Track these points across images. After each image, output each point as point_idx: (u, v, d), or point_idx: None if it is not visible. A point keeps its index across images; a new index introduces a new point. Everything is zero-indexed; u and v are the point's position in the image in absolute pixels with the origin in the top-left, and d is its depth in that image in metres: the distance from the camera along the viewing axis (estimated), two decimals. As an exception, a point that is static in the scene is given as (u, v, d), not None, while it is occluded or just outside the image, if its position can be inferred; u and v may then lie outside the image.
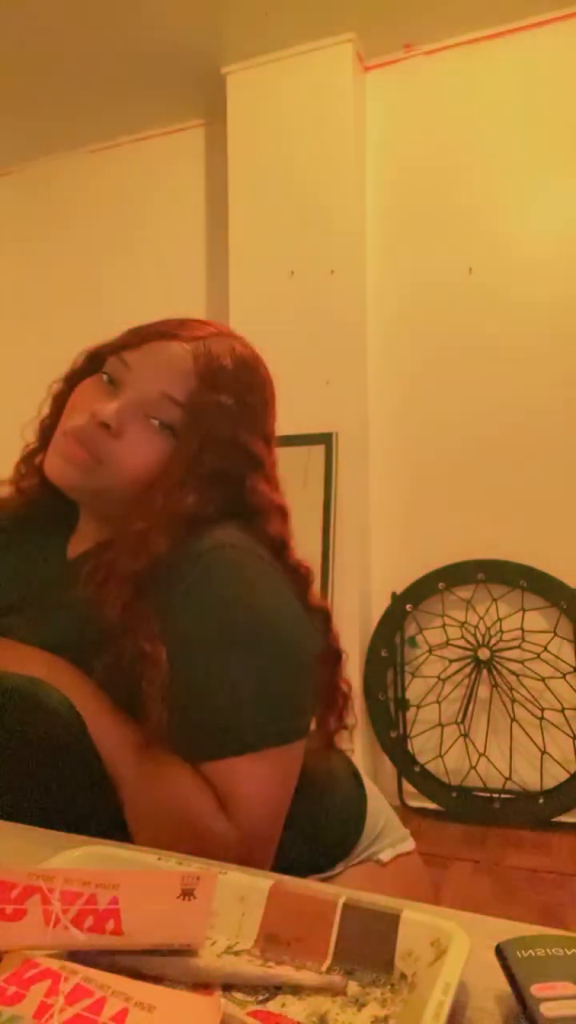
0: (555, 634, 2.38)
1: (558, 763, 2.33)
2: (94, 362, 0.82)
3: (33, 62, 2.66)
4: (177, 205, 3.02)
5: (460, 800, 2.39)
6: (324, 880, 0.77)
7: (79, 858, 0.50)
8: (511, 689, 2.40)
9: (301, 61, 2.60)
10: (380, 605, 2.56)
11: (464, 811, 2.37)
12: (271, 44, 2.59)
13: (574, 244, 2.43)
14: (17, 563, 0.86)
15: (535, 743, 2.36)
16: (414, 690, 2.51)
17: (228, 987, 0.41)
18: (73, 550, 0.84)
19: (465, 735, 2.44)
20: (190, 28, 2.51)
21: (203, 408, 0.75)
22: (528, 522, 2.42)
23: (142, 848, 0.56)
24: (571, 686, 2.34)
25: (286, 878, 0.50)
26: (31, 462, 0.87)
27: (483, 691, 2.44)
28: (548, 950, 0.39)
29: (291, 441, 2.36)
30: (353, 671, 2.42)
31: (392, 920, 0.43)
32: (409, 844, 0.88)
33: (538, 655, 2.37)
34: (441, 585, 2.48)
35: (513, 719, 2.39)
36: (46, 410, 0.85)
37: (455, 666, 2.47)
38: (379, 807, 0.87)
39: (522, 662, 2.39)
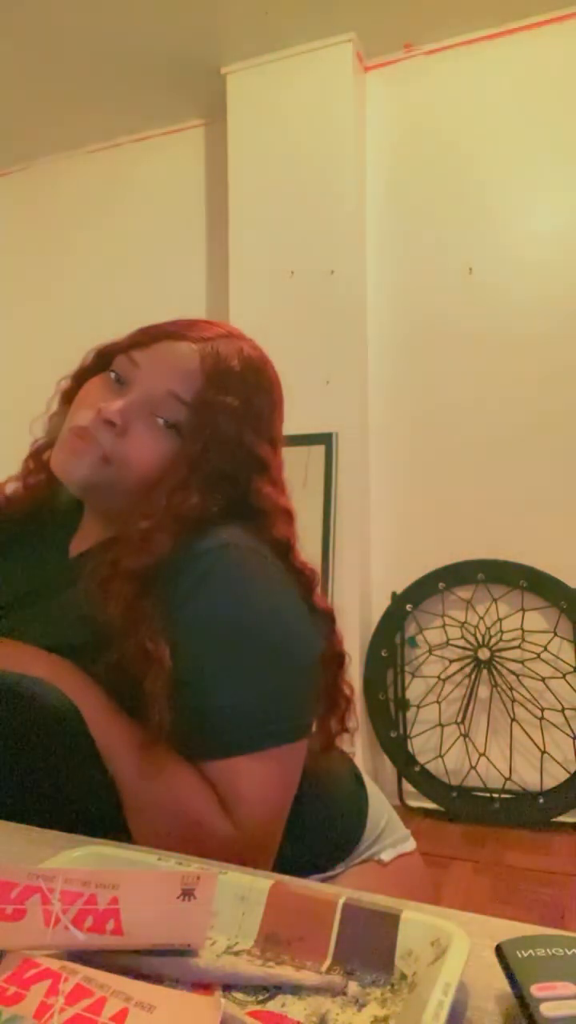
0: (555, 634, 2.38)
1: (558, 763, 2.33)
2: (103, 360, 0.82)
3: (33, 62, 2.66)
4: (177, 205, 3.02)
5: (460, 800, 2.39)
6: (325, 880, 0.78)
7: (79, 858, 0.50)
8: (511, 689, 2.40)
9: (301, 61, 2.60)
10: (380, 605, 2.56)
11: (464, 811, 2.37)
12: (271, 44, 2.59)
13: (574, 244, 2.43)
14: (20, 561, 0.86)
15: (535, 743, 2.36)
16: (414, 690, 2.51)
17: (228, 987, 0.41)
18: (75, 548, 0.84)
19: (465, 735, 2.44)
20: (190, 28, 2.51)
21: (209, 408, 0.75)
22: (528, 522, 2.42)
23: (142, 848, 0.56)
24: (571, 686, 2.34)
25: (286, 878, 0.50)
26: (39, 458, 0.87)
27: (483, 691, 2.44)
28: (548, 950, 0.38)
29: (291, 441, 2.33)
30: (353, 671, 2.40)
31: (392, 920, 0.43)
32: (410, 844, 0.88)
33: (538, 655, 2.37)
34: (441, 585, 2.48)
35: (513, 719, 2.39)
36: (55, 407, 0.85)
37: (455, 666, 2.47)
38: (380, 807, 0.87)
39: (522, 662, 2.39)
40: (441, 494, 2.54)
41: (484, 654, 2.44)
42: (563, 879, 1.97)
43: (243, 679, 0.69)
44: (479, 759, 2.41)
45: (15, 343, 3.26)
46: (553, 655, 2.37)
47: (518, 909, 1.79)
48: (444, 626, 2.49)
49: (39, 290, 3.26)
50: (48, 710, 0.66)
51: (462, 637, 2.47)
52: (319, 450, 2.49)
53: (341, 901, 0.45)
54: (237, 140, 2.71)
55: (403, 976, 0.41)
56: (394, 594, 2.53)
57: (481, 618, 2.45)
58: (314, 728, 0.77)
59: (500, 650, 2.42)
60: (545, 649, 2.37)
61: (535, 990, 0.35)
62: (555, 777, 2.32)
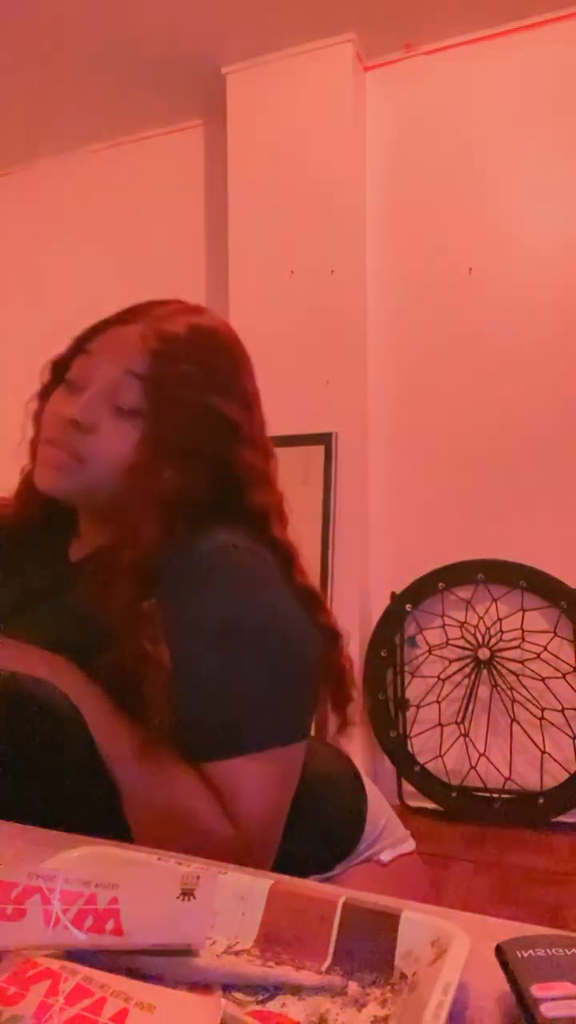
0: (555, 634, 2.38)
1: (558, 763, 2.33)
2: (59, 371, 0.83)
3: (33, 62, 2.66)
4: (177, 205, 3.02)
5: (460, 800, 2.39)
6: (324, 880, 0.77)
7: (79, 858, 0.50)
8: (511, 689, 2.40)
9: (301, 61, 2.60)
10: (380, 605, 2.56)
11: (464, 811, 2.37)
12: (271, 44, 2.59)
13: (574, 244, 2.43)
14: (22, 567, 0.86)
15: (535, 743, 2.36)
16: (414, 690, 2.51)
17: (228, 987, 0.41)
18: (75, 554, 0.85)
19: (465, 735, 2.44)
20: (190, 28, 2.51)
21: (163, 380, 0.75)
22: (528, 522, 2.42)
23: (142, 848, 0.56)
24: (571, 686, 2.34)
25: (286, 878, 0.50)
26: (31, 483, 0.88)
27: (483, 691, 2.44)
28: (548, 950, 0.38)
29: (291, 441, 2.36)
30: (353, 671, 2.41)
31: (392, 920, 0.43)
32: (409, 844, 0.88)
33: (538, 655, 2.37)
34: (441, 585, 2.48)
35: (513, 719, 2.39)
36: (30, 431, 0.85)
37: (455, 666, 2.47)
38: (380, 807, 0.87)
39: (522, 662, 2.39)
40: (441, 494, 2.54)
41: (484, 654, 2.44)
42: (563, 879, 1.97)
43: (243, 680, 0.69)
44: (479, 759, 2.41)
45: (15, 343, 3.26)
46: (553, 655, 2.37)
47: (518, 909, 1.79)
48: (444, 626, 2.49)
49: (39, 290, 3.25)
50: (49, 710, 0.66)
51: (462, 637, 2.47)
52: (319, 450, 2.49)
53: (341, 901, 0.45)
54: (237, 140, 2.71)
55: (403, 976, 0.41)
56: (394, 594, 2.53)
57: (481, 618, 2.45)
58: (313, 730, 0.77)
59: (500, 650, 2.42)
60: (545, 649, 2.37)
61: (535, 990, 0.35)
62: (555, 777, 2.32)
